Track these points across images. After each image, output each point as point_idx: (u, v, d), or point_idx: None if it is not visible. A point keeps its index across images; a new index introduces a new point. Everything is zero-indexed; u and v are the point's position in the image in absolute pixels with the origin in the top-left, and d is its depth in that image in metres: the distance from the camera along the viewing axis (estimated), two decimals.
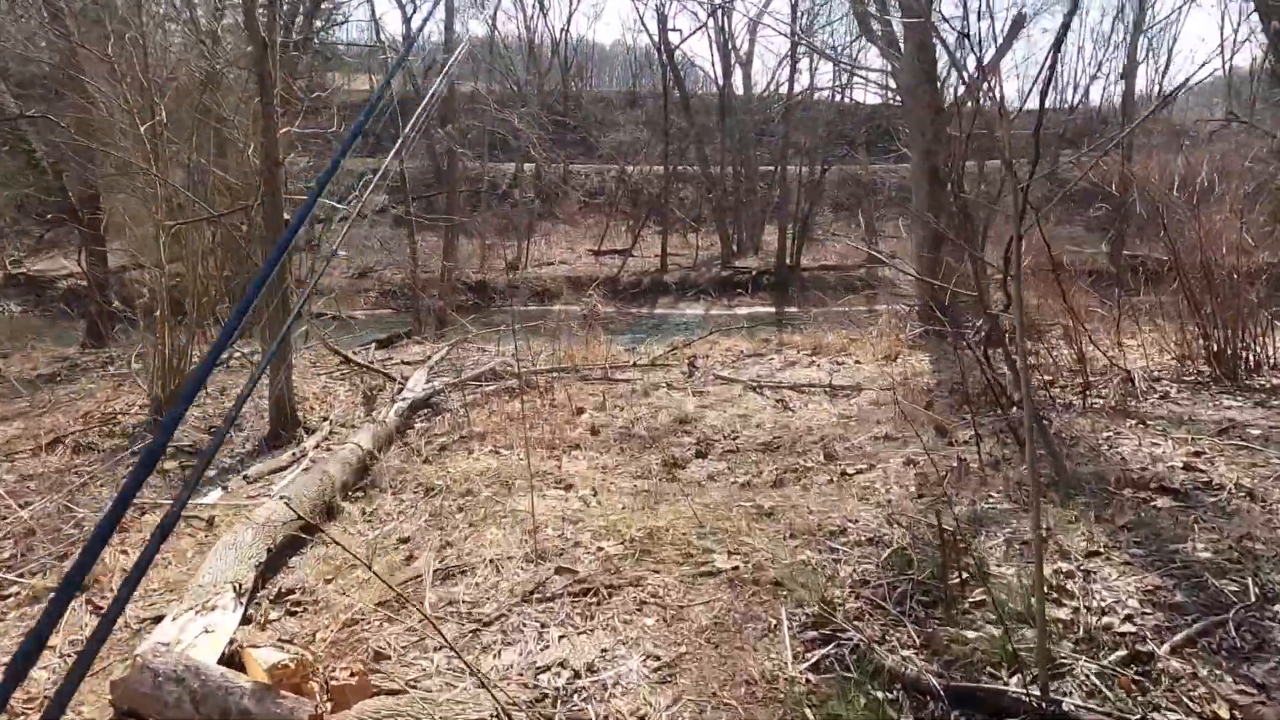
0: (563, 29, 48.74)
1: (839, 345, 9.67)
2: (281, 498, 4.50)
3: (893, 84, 17.95)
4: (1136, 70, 18.53)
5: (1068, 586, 2.71)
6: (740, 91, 34.27)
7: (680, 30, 27.24)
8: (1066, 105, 32.77)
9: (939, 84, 10.18)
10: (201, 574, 3.42)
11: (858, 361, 8.91)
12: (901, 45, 12.76)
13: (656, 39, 30.61)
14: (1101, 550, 3.00)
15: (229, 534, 3.83)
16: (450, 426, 7.11)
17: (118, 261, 14.58)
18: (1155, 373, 6.46)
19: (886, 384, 7.63)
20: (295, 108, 9.44)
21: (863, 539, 3.28)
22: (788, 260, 27.34)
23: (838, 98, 34.19)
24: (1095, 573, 2.82)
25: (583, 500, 4.65)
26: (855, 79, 26.64)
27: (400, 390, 8.55)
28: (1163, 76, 30.22)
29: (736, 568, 3.04)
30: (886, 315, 10.66)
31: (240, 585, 3.37)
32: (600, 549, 3.42)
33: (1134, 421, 4.99)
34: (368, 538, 4.48)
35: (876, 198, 31.34)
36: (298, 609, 3.71)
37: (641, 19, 70.53)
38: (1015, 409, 4.94)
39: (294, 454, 6.63)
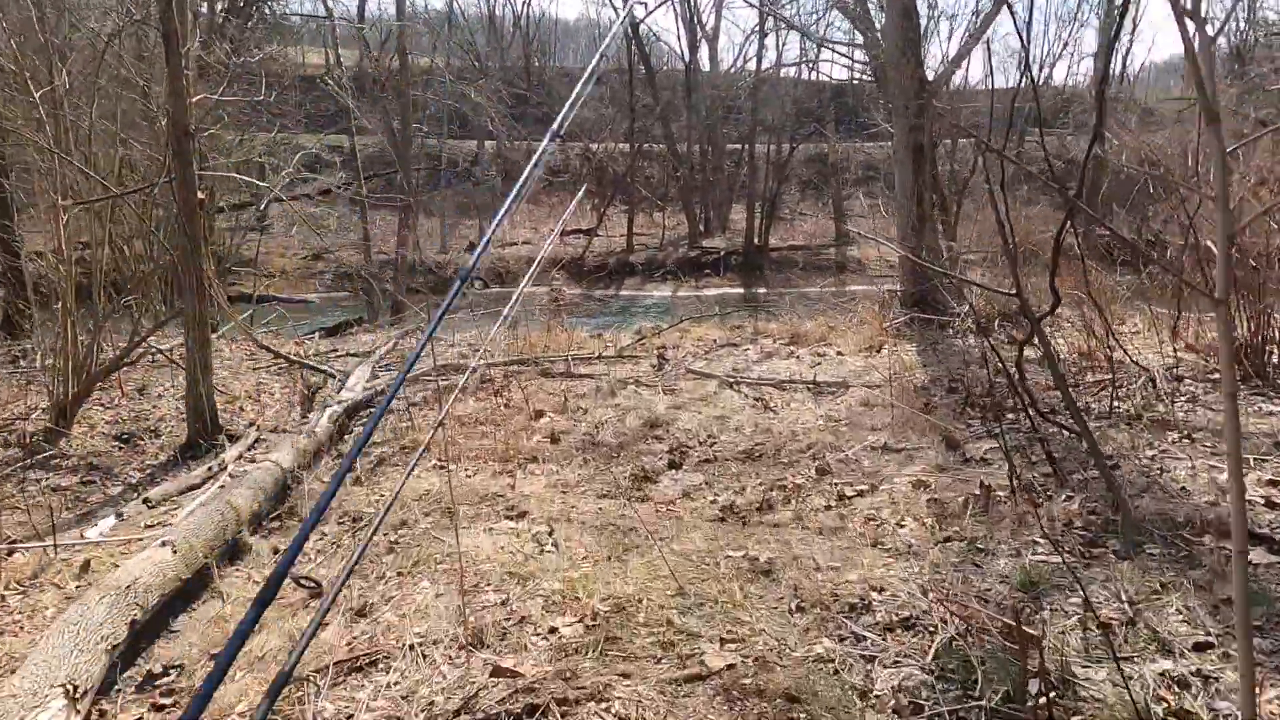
0: (525, 2, 47.23)
1: (818, 334, 8.93)
2: (164, 543, 3.62)
3: (863, 57, 17.18)
4: (1115, 47, 18.00)
5: (1186, 706, 1.97)
6: (706, 68, 33.26)
7: (645, 3, 26.12)
8: (1032, 84, 32.28)
9: (922, 54, 9.39)
10: (23, 671, 2.54)
11: (840, 353, 8.18)
12: (879, 14, 11.98)
13: (621, 12, 29.50)
14: (1214, 639, 2.27)
15: (75, 605, 2.94)
16: (392, 434, 6.22)
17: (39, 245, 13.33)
18: (1173, 368, 5.80)
19: (875, 381, 6.90)
20: (219, 74, 8.36)
21: (894, 619, 2.53)
22: (756, 240, 26.60)
23: (805, 75, 33.36)
24: (1215, 679, 2.09)
25: (536, 540, 3.84)
26: (824, 56, 25.81)
27: (341, 388, 7.64)
28: (1126, 56, 29.81)
29: (733, 666, 2.27)
30: (866, 300, 9.94)
31: (74, 688, 2.50)
32: (553, 630, 2.62)
33: (1177, 434, 4.30)
34: None
35: (844, 176, 30.66)
36: (169, 701, 2.85)
37: None
38: (1038, 416, 4.21)
39: (210, 468, 5.70)
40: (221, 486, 5.19)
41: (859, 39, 16.89)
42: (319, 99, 28.07)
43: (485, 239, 1.99)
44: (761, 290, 23.63)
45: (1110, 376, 5.46)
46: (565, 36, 54.03)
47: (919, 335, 8.53)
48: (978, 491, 3.69)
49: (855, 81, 28.90)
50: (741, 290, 24.39)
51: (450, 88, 26.41)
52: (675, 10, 30.08)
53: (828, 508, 4.13)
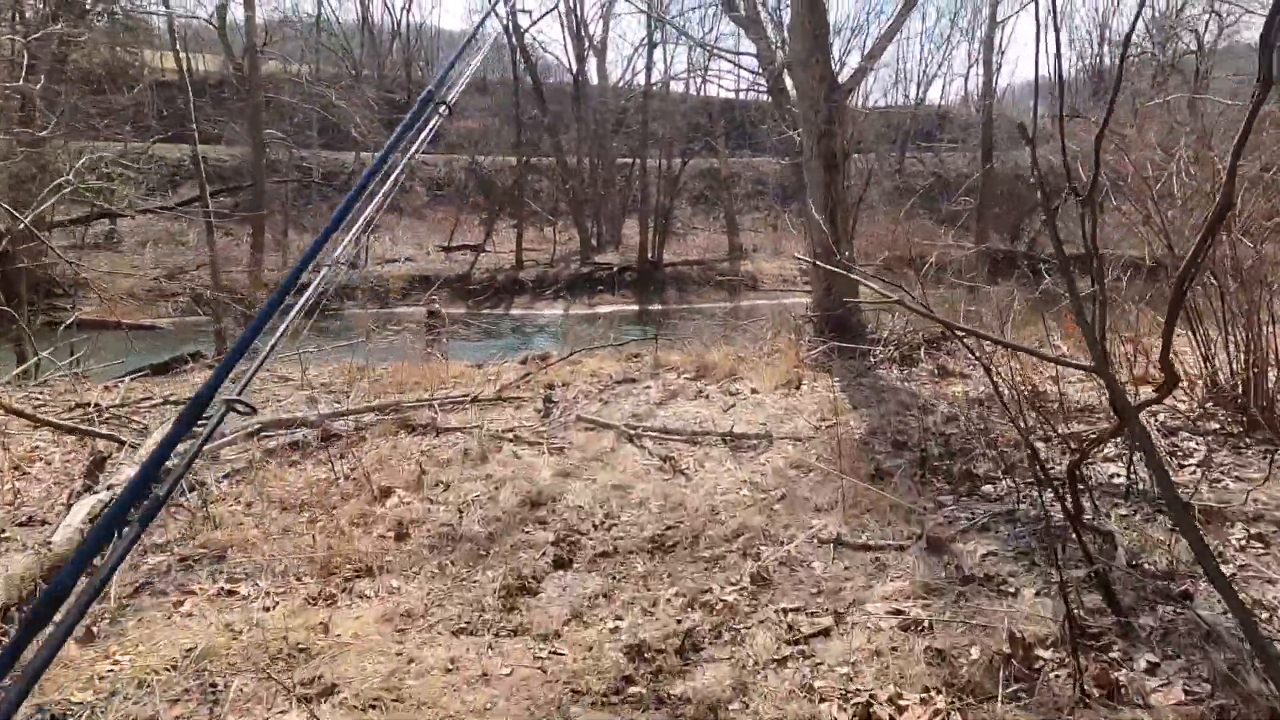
0: (404, 8, 44.93)
1: (727, 367, 7.68)
2: None
3: (753, 64, 16.29)
4: (997, 67, 17.85)
5: None
6: (595, 81, 32.05)
7: (529, 12, 24.68)
8: (912, 101, 32.76)
9: (831, 53, 8.36)
10: None
11: (754, 390, 6.95)
12: (771, 23, 10.98)
13: (504, 19, 27.90)
14: None
15: None
16: (182, 532, 4.51)
17: None
18: (1149, 412, 4.80)
19: (803, 430, 5.67)
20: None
21: None
22: (650, 255, 25.48)
23: (695, 89, 32.65)
24: None
25: None
26: (713, 70, 25.04)
27: (150, 453, 5.80)
28: (996, 75, 30.57)
29: None
30: (773, 324, 8.79)
31: None
32: None
33: (1229, 526, 3.21)
34: None
35: (735, 191, 30.04)
36: None
37: None
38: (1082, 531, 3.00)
39: None
40: None
41: (751, 47, 16.01)
42: (177, 105, 25.19)
43: (308, 253, 1.47)
44: (657, 307, 22.49)
45: (1088, 432, 4.39)
46: (450, 47, 51.78)
47: (840, 367, 7.42)
48: (1006, 648, 2.44)
49: (745, 94, 28.33)
50: (637, 307, 23.19)
51: (307, 89, 24.08)
52: (562, 20, 28.74)
53: (779, 662, 2.79)
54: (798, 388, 6.95)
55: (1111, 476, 3.97)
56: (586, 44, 29.57)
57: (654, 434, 5.90)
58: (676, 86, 31.19)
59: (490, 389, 7.95)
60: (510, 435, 6.02)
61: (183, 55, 27.25)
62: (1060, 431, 4.28)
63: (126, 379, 9.30)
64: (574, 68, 29.50)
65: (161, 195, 29.63)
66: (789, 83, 14.01)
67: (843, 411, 5.98)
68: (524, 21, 26.86)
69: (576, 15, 29.17)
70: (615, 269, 24.54)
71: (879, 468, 4.51)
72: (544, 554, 4.20)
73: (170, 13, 20.67)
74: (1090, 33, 38.74)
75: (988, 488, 4.03)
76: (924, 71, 43.12)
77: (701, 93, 33.74)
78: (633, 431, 5.91)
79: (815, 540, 3.82)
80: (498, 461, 5.36)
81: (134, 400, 8.13)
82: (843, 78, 8.41)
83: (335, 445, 6.33)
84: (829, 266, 5.64)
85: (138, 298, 22.72)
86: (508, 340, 18.59)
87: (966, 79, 42.03)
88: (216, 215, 15.72)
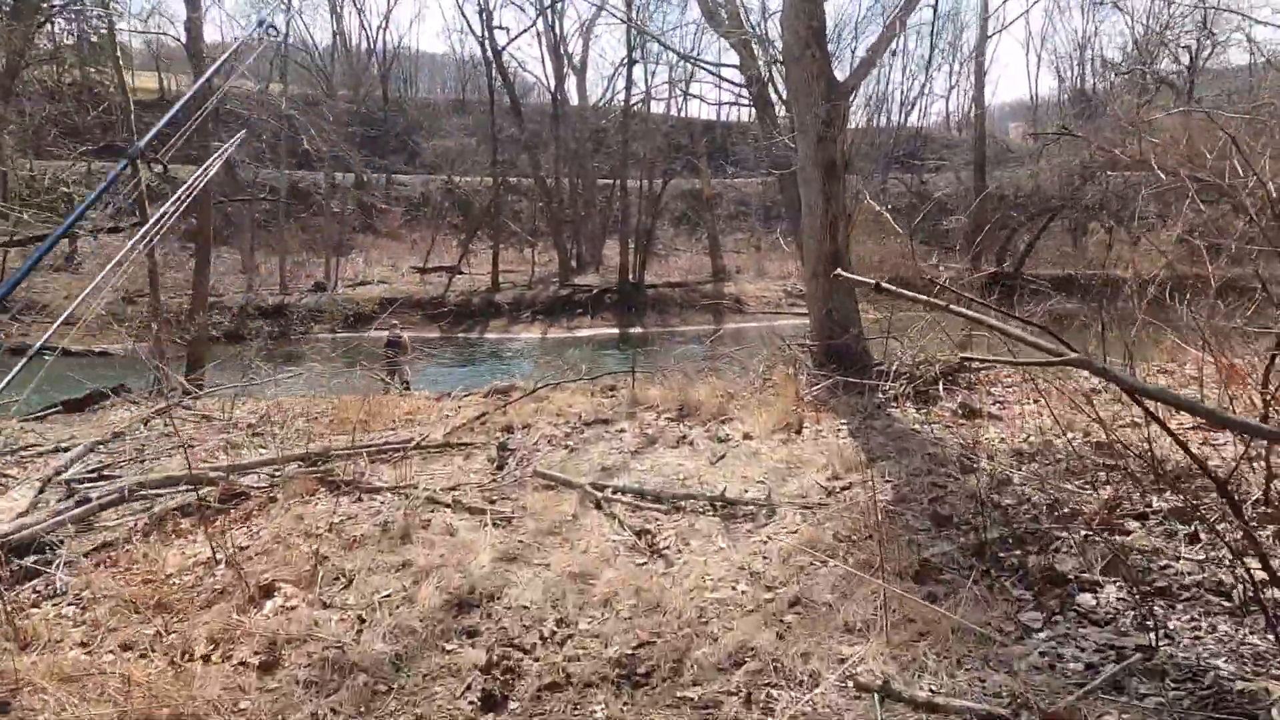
0: (380, 27, 43.89)
1: (714, 405, 6.48)
2: None
3: (736, 76, 15.30)
4: (984, 89, 16.93)
5: None
6: (575, 101, 31.06)
7: (508, 29, 23.71)
8: (894, 124, 32.02)
9: (828, 49, 7.26)
10: None
11: (748, 435, 5.74)
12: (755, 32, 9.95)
13: (481, 35, 26.89)
14: None
15: None
16: None
17: None
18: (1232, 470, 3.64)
19: (812, 493, 4.47)
20: None
21: None
22: (631, 277, 24.35)
23: (676, 110, 31.75)
24: None
25: None
26: (693, 90, 24.08)
27: None
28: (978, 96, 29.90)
29: None
30: (767, 355, 7.61)
31: None
32: None
33: None
34: None
35: (717, 212, 29.03)
36: None
37: (462, 9, 66.12)
38: None
39: None
40: None
41: (734, 57, 15.03)
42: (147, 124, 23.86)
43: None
44: (638, 330, 21.33)
45: (1187, 500, 3.22)
46: (434, 71, 50.83)
47: (845, 405, 6.24)
48: None
49: (727, 114, 27.40)
50: (617, 331, 22.02)
51: (278, 108, 22.86)
52: (540, 37, 27.76)
53: None
54: (798, 432, 5.75)
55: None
56: (565, 63, 28.60)
57: (626, 496, 4.67)
58: (657, 108, 30.28)
59: (440, 432, 6.72)
60: (449, 499, 4.77)
61: (126, 71, 25.97)
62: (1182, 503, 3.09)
63: (52, 411, 7.97)
64: (552, 85, 28.49)
65: (131, 216, 28.24)
66: (775, 94, 13.00)
67: (857, 467, 4.78)
68: (501, 39, 25.84)
69: (555, 32, 28.24)
70: (595, 291, 23.38)
71: (924, 565, 3.30)
72: (469, 687, 2.97)
73: (133, 30, 19.38)
74: (1071, 54, 38.35)
75: (1086, 597, 2.83)
76: (906, 94, 42.45)
77: (683, 112, 32.85)
78: (600, 494, 4.67)
79: (850, 685, 2.60)
80: (424, 540, 4.10)
81: (20, 447, 6.79)
82: (841, 76, 7.30)
83: (237, 508, 5.06)
84: (854, 277, 4.50)
85: (93, 322, 21.24)
86: (479, 366, 17.33)
87: (947, 101, 41.54)
88: (161, 237, 14.33)
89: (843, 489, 4.44)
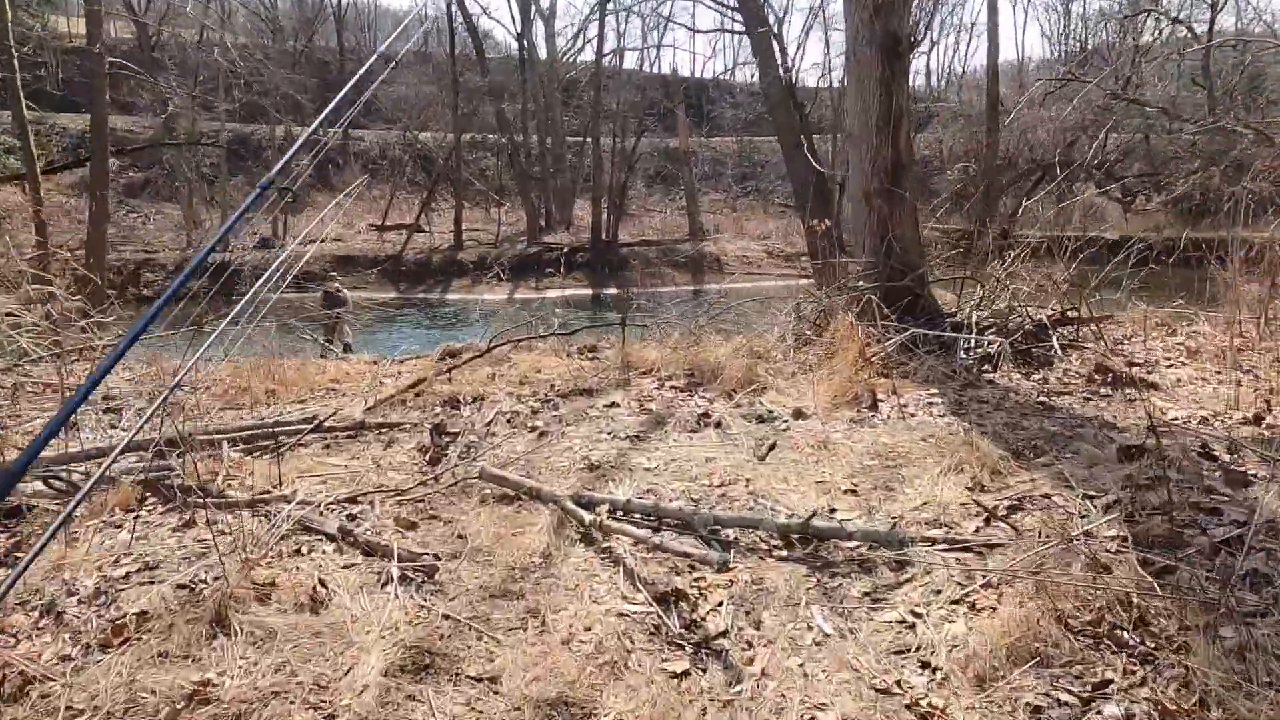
0: None
1: (737, 371, 4.48)
2: None
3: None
4: (998, 43, 14.96)
5: None
6: (544, 54, 28.43)
7: None
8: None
9: None
10: None
11: (800, 413, 3.79)
12: None
13: None
14: None
15: None
16: None
17: None
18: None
19: (963, 523, 2.53)
20: None
21: None
22: (605, 235, 22.20)
23: (649, 65, 29.33)
24: None
25: None
26: (666, 44, 21.80)
27: None
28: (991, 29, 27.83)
29: None
30: (808, 301, 5.63)
31: None
32: None
33: None
34: None
35: (695, 170, 26.81)
36: None
37: None
38: None
39: None
40: None
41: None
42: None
43: None
44: (613, 291, 19.26)
45: None
46: (395, 25, 47.38)
47: (926, 370, 4.31)
48: None
49: (704, 64, 25.12)
50: (590, 291, 19.93)
51: (221, 57, 20.17)
52: None
53: None
54: (872, 407, 3.82)
55: None
56: (533, 9, 25.96)
57: (633, 517, 2.70)
58: (631, 64, 27.84)
59: (360, 407, 4.68)
60: (336, 525, 2.74)
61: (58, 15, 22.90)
62: None
63: None
64: (518, 27, 25.89)
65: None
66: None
67: (1002, 467, 2.86)
68: None
69: None
70: (566, 250, 21.19)
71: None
72: None
73: None
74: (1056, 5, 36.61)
75: None
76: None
77: (656, 67, 30.47)
78: (589, 514, 2.69)
79: None
80: (254, 627, 2.08)
81: None
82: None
83: (9, 531, 3.01)
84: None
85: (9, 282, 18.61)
86: (441, 329, 15.15)
87: (928, 58, 39.30)
88: (44, 187, 11.85)
89: (1008, 509, 2.52)
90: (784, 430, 3.62)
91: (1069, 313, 4.88)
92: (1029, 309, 4.85)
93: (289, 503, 3.00)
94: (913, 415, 3.70)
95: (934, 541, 2.33)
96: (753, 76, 30.33)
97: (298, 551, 2.52)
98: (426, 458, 3.75)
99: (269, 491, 3.22)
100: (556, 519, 2.73)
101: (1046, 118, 18.55)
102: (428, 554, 2.45)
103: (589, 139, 25.21)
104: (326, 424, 4.21)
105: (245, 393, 5.35)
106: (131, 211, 25.33)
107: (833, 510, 2.67)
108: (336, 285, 11.15)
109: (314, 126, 2.06)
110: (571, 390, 4.62)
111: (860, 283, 4.95)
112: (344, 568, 2.42)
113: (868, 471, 3.00)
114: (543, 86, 25.38)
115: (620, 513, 2.74)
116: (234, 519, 2.89)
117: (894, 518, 2.53)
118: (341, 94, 1.99)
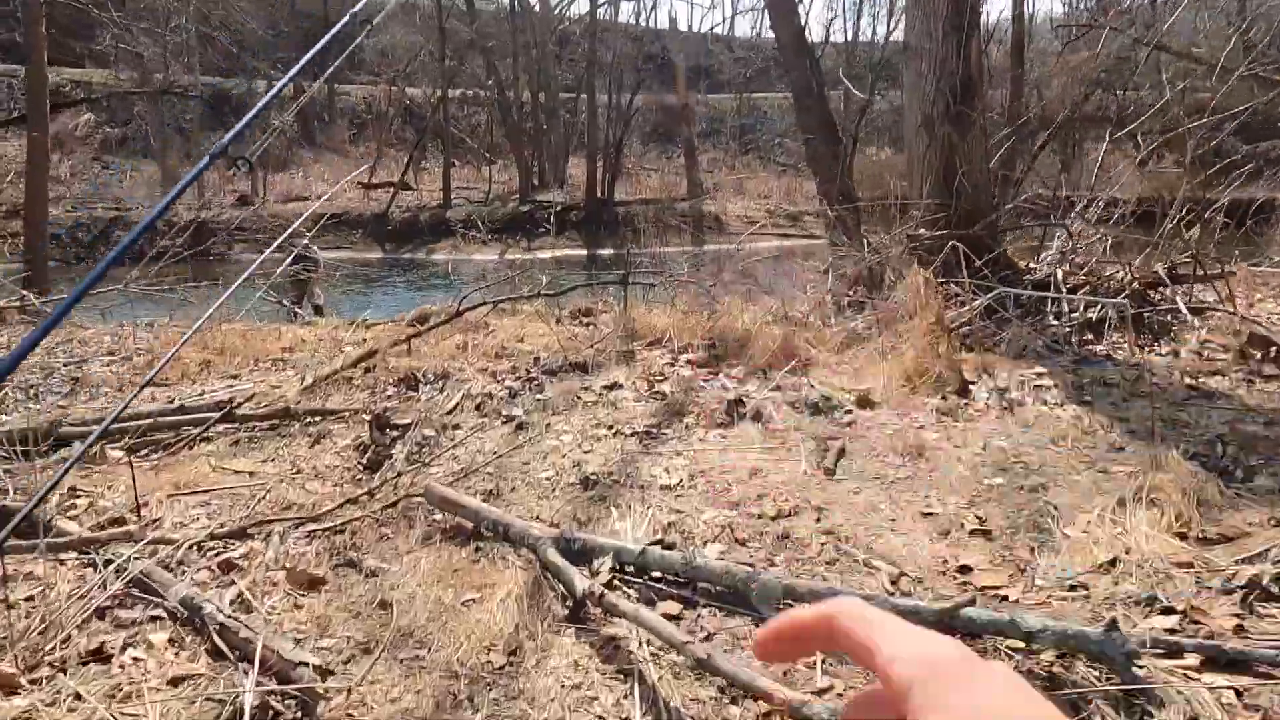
0: None
1: (769, 342, 3.45)
2: None
3: None
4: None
5: None
6: (536, 7, 26.76)
7: None
8: (881, 38, 28.39)
9: None
10: None
11: (866, 401, 2.77)
12: None
13: None
14: None
15: None
16: None
17: None
18: None
19: (1174, 588, 1.52)
20: None
21: None
22: (600, 193, 20.94)
23: (645, 18, 27.68)
24: None
25: None
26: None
27: None
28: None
29: None
30: (838, 259, 4.57)
31: None
32: None
33: None
34: None
35: (695, 130, 25.39)
36: None
37: None
38: None
39: None
40: None
41: None
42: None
43: None
44: (608, 251, 18.11)
45: None
46: None
47: (1014, 344, 3.29)
48: None
49: (701, 18, 23.65)
50: (584, 251, 18.77)
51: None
52: None
53: None
54: (961, 393, 2.80)
55: None
56: None
57: (650, 574, 1.69)
58: (627, 19, 26.20)
59: (296, 387, 3.66)
60: (178, 605, 1.72)
61: None
62: None
63: None
64: None
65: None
66: None
67: (1206, 496, 1.84)
68: None
69: None
70: (559, 208, 19.93)
71: None
72: None
73: None
74: None
75: None
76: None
77: (653, 20, 28.83)
78: (584, 575, 1.67)
79: None
80: None
81: None
82: None
83: None
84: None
85: None
86: (427, 290, 14.03)
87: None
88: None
89: (1237, 562, 1.52)
90: (848, 424, 2.61)
91: (1178, 270, 3.84)
92: (1132, 264, 3.81)
93: (135, 542, 1.98)
94: (1021, 405, 2.68)
95: (1177, 650, 1.32)
96: (753, 28, 28.80)
97: (98, 651, 1.50)
98: (364, 460, 2.74)
99: (123, 521, 2.21)
100: (532, 579, 1.73)
101: (1068, 66, 17.28)
102: (311, 662, 1.43)
103: (583, 94, 23.76)
104: (240, 411, 3.18)
105: (176, 364, 4.33)
106: (106, 169, 23.93)
107: (963, 569, 1.67)
108: (306, 242, 9.99)
109: (278, 88, 1.93)
110: (561, 366, 3.58)
111: (921, 230, 3.89)
112: (162, 686, 1.40)
113: (996, 495, 2.00)
114: (535, 38, 23.85)
115: (629, 572, 1.73)
116: (50, 570, 1.88)
117: (1084, 591, 1.52)
118: (317, 47, 1.77)
